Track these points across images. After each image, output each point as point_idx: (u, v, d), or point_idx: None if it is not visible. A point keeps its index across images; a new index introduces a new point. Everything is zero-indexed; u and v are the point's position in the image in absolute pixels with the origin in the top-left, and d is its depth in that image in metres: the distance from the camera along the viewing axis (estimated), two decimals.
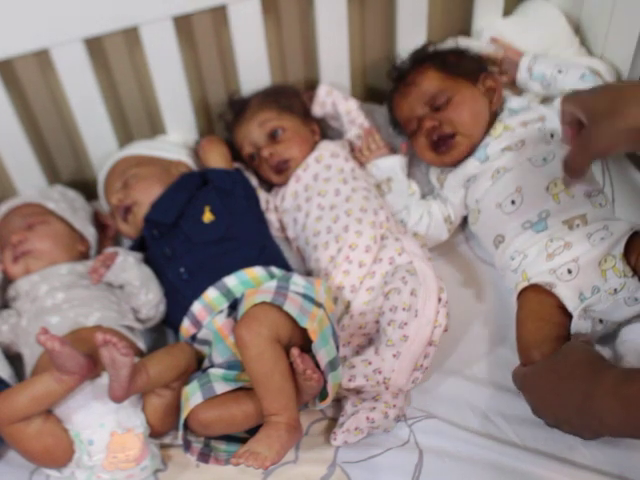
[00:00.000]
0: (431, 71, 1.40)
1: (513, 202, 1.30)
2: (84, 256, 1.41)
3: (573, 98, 1.08)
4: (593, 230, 1.22)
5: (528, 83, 1.44)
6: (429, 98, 1.38)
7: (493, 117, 1.40)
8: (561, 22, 1.51)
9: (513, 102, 1.41)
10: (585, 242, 1.21)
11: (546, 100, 1.45)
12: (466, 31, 1.60)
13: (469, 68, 1.41)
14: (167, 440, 1.18)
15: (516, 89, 1.48)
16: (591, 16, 1.49)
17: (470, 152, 1.38)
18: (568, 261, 1.21)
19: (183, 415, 1.10)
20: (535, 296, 1.21)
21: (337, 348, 1.14)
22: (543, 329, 1.17)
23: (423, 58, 1.44)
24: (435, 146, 1.38)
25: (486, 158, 1.36)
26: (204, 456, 1.13)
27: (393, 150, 1.49)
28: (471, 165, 1.38)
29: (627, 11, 1.38)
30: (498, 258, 1.33)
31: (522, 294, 1.24)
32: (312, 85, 1.57)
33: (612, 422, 0.92)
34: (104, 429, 1.09)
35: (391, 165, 1.45)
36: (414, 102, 1.40)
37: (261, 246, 1.35)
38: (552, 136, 1.34)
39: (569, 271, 1.20)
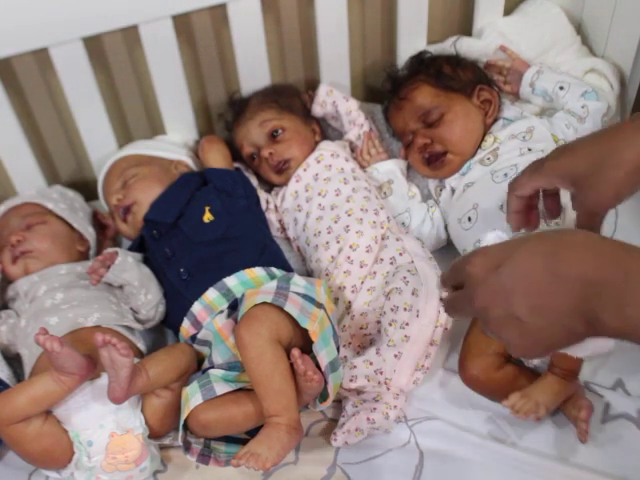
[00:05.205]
0: (424, 86, 1.39)
1: (470, 219, 1.29)
2: (83, 256, 1.40)
3: (546, 170, 0.99)
4: None
5: (531, 97, 1.43)
6: (422, 113, 1.37)
7: (488, 129, 1.39)
8: (562, 21, 1.51)
9: (508, 112, 1.40)
10: None
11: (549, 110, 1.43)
12: (467, 31, 1.59)
13: (465, 80, 1.40)
14: (167, 441, 1.18)
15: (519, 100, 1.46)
16: (593, 15, 1.49)
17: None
18: None
19: (183, 416, 1.10)
20: None
21: (338, 349, 1.13)
22: (485, 342, 1.14)
23: (418, 69, 1.43)
24: (428, 162, 1.38)
25: (468, 170, 1.35)
26: (204, 457, 1.13)
27: (393, 156, 1.49)
28: (454, 177, 1.38)
29: (629, 10, 1.38)
30: None
31: None
32: (312, 85, 1.56)
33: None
34: (103, 430, 1.09)
35: (391, 168, 1.44)
36: (408, 116, 1.40)
37: (261, 246, 1.34)
38: (530, 150, 1.31)
39: None
